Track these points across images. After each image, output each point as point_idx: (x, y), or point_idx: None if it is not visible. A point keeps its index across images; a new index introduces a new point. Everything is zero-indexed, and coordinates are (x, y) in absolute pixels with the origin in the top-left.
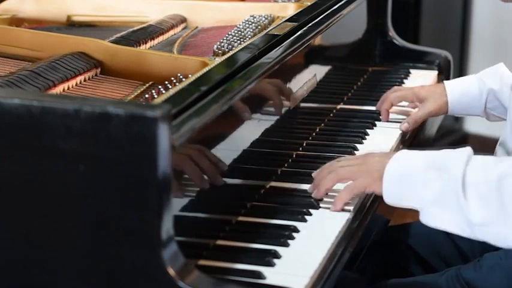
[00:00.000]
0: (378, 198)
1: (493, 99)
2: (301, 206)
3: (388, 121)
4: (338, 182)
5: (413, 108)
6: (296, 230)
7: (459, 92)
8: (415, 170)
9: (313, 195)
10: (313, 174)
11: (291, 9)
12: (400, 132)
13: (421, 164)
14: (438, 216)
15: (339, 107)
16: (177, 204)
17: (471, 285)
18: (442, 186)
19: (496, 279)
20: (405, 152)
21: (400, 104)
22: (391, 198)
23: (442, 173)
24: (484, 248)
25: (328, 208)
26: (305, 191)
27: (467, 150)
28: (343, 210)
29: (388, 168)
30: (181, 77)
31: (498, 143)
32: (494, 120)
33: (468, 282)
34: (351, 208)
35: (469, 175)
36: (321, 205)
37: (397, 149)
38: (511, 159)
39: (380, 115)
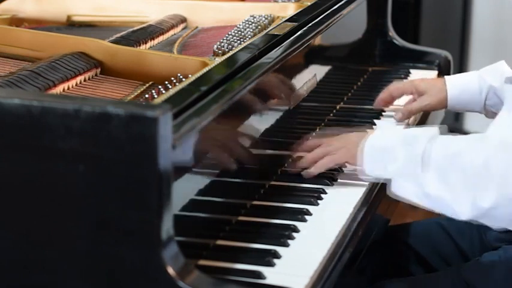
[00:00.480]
0: (378, 199)
1: (492, 96)
2: (301, 205)
3: (382, 111)
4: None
5: (414, 101)
6: (296, 230)
7: (459, 87)
8: (389, 145)
9: (303, 174)
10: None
11: (291, 9)
12: None
13: (394, 139)
14: (402, 186)
15: (338, 107)
16: (177, 204)
17: (471, 284)
18: (406, 158)
19: (496, 278)
20: (381, 130)
21: (398, 104)
22: (368, 170)
23: (408, 147)
24: (484, 247)
25: (328, 208)
26: (305, 190)
27: (434, 129)
28: (343, 210)
29: (366, 144)
30: (181, 77)
31: None
32: (493, 117)
33: (468, 281)
34: (351, 208)
35: (428, 150)
36: (321, 205)
37: None
38: (467, 138)
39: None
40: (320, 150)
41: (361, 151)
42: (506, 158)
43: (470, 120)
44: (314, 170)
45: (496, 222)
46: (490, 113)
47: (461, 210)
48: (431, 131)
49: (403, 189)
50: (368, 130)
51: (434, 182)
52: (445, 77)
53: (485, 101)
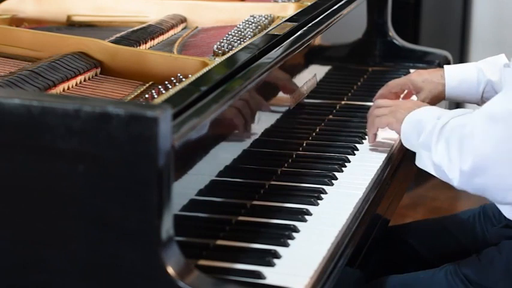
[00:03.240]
0: (378, 199)
1: (490, 90)
2: (301, 205)
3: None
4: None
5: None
6: (296, 230)
7: (458, 79)
8: (422, 118)
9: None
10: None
11: (291, 9)
12: None
13: (429, 113)
14: (421, 156)
15: (338, 106)
16: (177, 204)
17: (470, 279)
18: (429, 131)
19: (495, 273)
20: (428, 107)
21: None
22: (404, 140)
23: (436, 120)
24: (486, 244)
25: (328, 208)
26: (305, 190)
27: (465, 110)
28: (343, 210)
29: (412, 114)
30: (181, 77)
31: None
32: None
33: (467, 276)
34: (351, 208)
35: (450, 123)
36: (321, 205)
37: (397, 148)
38: (473, 112)
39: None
40: (377, 111)
41: (401, 123)
42: (487, 128)
43: None
44: (371, 141)
45: (487, 192)
46: None
47: (453, 176)
48: (459, 110)
49: (422, 159)
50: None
51: (439, 150)
52: (445, 67)
53: (482, 94)
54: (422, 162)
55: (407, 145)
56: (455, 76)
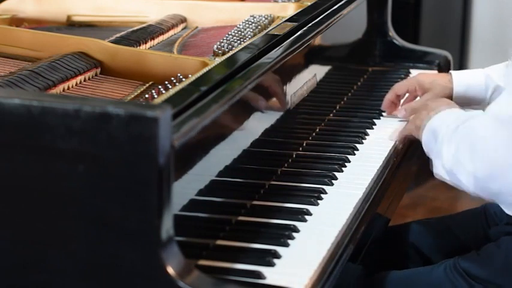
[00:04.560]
0: (378, 199)
1: (497, 95)
2: (301, 205)
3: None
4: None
5: (415, 97)
6: (296, 230)
7: (465, 85)
8: (437, 129)
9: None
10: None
11: (291, 9)
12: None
13: (447, 122)
14: (435, 164)
15: (338, 106)
16: (177, 204)
17: (469, 273)
18: (441, 139)
19: (494, 268)
20: (448, 110)
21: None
22: (425, 148)
23: (447, 128)
24: (488, 241)
25: (328, 208)
26: (305, 190)
27: (477, 111)
28: (343, 210)
29: (429, 123)
30: (181, 77)
31: None
32: None
33: (466, 270)
34: (351, 208)
35: (455, 128)
36: (321, 205)
37: (397, 148)
38: (482, 114)
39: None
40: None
41: (420, 130)
42: (497, 132)
43: None
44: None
45: (500, 197)
46: None
47: (468, 182)
48: (472, 112)
49: (436, 167)
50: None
51: (451, 157)
52: (452, 73)
53: (489, 100)
54: (437, 170)
55: (429, 155)
56: (462, 81)
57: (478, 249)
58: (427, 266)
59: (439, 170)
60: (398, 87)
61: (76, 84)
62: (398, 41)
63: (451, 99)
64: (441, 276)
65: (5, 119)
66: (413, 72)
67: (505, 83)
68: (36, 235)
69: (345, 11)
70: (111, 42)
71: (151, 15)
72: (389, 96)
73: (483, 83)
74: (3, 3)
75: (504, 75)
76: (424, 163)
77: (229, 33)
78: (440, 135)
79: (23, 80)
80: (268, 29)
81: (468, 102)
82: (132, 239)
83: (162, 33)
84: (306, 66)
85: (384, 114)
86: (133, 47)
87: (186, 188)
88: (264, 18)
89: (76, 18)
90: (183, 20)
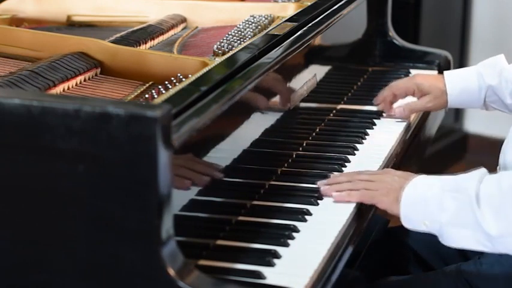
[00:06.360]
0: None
1: (492, 95)
2: (301, 205)
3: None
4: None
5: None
6: (296, 230)
7: (459, 87)
8: (431, 195)
9: (321, 190)
10: (331, 176)
11: (291, 9)
12: (400, 132)
13: (436, 188)
14: (458, 236)
15: (339, 107)
16: (177, 204)
17: (471, 282)
18: (457, 206)
19: (496, 276)
20: (422, 178)
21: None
22: (409, 223)
23: (456, 194)
24: None
25: (329, 208)
26: (305, 190)
27: (481, 170)
28: (343, 210)
29: (406, 193)
30: (181, 77)
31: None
32: (493, 110)
33: (468, 278)
34: (351, 208)
35: (483, 190)
36: (321, 205)
37: (397, 148)
38: None
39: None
40: (360, 184)
41: (398, 202)
42: None
43: (470, 121)
44: (346, 197)
45: None
46: (490, 107)
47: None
48: (477, 171)
49: (460, 238)
50: (409, 174)
51: (494, 221)
52: (444, 74)
53: (484, 99)
54: (458, 239)
55: (408, 226)
56: (456, 84)
57: (478, 254)
58: (426, 271)
59: (467, 239)
60: (397, 87)
61: (76, 84)
62: (398, 41)
63: (447, 102)
64: (443, 284)
65: (5, 119)
66: (413, 72)
67: None
68: (36, 235)
69: (345, 11)
70: (111, 42)
71: (151, 15)
72: (386, 93)
73: (476, 85)
74: (3, 3)
75: None
76: (424, 163)
77: (229, 33)
78: (449, 205)
79: (23, 80)
80: (268, 29)
81: (464, 104)
82: (132, 239)
83: (162, 33)
84: (306, 66)
85: (384, 114)
86: (133, 47)
87: (186, 188)
88: (264, 18)
89: (76, 18)
90: (183, 20)
